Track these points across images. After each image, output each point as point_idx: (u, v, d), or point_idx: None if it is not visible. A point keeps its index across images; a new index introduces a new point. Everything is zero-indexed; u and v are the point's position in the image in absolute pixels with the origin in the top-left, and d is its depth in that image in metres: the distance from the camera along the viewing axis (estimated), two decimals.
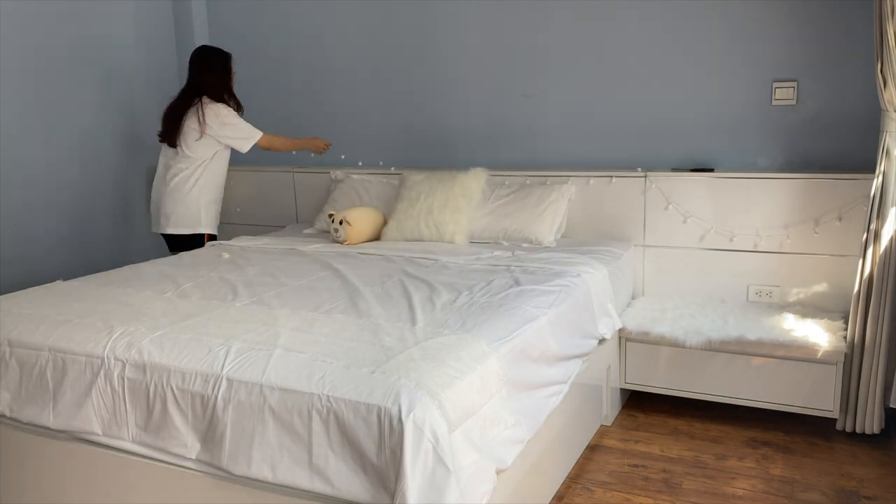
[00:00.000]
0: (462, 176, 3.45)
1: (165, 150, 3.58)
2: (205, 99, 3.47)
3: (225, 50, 3.60)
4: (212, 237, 3.66)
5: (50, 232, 3.79)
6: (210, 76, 3.51)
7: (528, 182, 3.54)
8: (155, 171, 4.26)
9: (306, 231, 3.81)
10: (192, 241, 3.58)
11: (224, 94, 3.54)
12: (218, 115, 3.46)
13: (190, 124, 3.45)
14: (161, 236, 3.69)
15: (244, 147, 3.56)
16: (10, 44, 3.55)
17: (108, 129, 4.06)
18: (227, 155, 3.62)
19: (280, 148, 3.73)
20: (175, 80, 4.40)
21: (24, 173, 3.65)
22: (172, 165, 3.53)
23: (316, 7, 4.10)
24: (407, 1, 3.85)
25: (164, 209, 3.56)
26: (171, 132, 3.49)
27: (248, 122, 3.58)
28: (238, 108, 3.62)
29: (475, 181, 3.44)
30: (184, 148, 3.48)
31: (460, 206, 3.37)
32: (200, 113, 3.44)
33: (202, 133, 3.45)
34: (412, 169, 3.80)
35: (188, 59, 3.59)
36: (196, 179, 3.53)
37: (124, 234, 4.19)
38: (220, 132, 3.48)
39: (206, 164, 3.54)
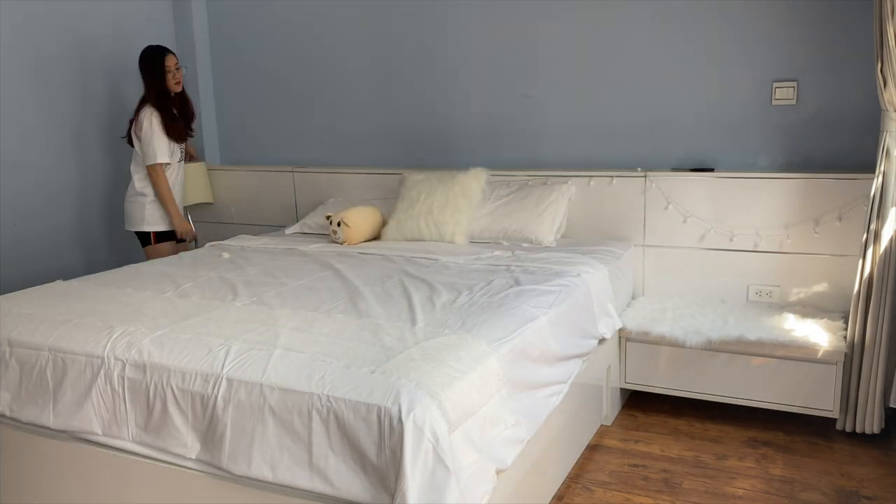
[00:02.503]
0: (462, 176, 3.45)
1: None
2: (141, 104, 3.63)
3: (158, 47, 3.67)
4: (163, 235, 3.76)
5: (51, 232, 3.79)
6: (146, 81, 3.64)
7: (528, 182, 3.54)
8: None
9: (288, 231, 3.78)
10: (141, 239, 3.76)
11: (152, 99, 3.62)
12: (138, 121, 3.62)
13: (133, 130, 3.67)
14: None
15: (146, 161, 3.65)
16: (9, 44, 3.55)
17: (107, 129, 4.06)
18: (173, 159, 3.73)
19: (158, 192, 3.70)
20: None
21: (24, 173, 3.65)
22: (130, 167, 3.72)
23: (316, 7, 4.09)
24: (407, 1, 3.85)
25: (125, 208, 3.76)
26: (127, 133, 3.72)
27: (159, 142, 3.62)
28: (182, 116, 3.74)
29: (475, 181, 3.44)
30: (135, 149, 3.69)
31: (460, 205, 3.37)
32: (134, 117, 3.65)
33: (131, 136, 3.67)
34: (412, 169, 3.80)
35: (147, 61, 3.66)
36: (141, 179, 3.70)
37: (125, 235, 4.19)
38: (137, 138, 3.65)
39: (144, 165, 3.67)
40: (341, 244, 3.37)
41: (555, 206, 3.35)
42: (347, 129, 4.15)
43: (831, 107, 3.11)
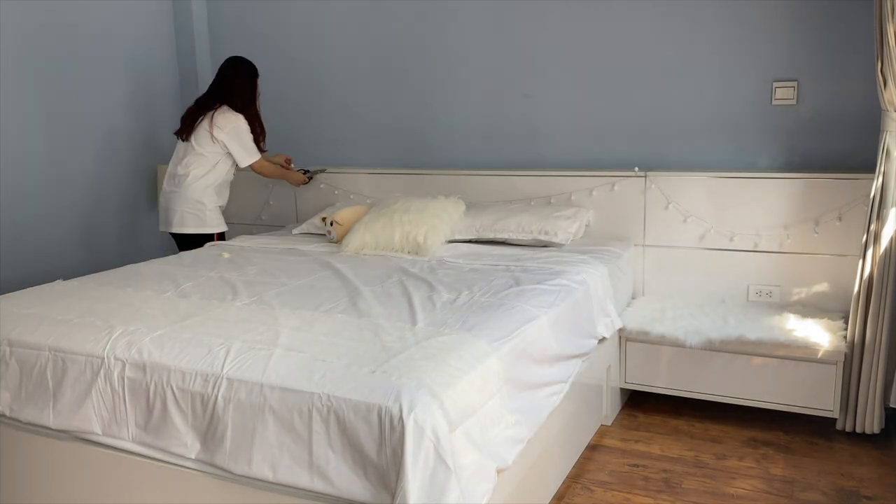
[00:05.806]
0: (441, 199, 3.38)
1: (178, 149, 3.62)
2: (225, 107, 3.54)
3: (254, 66, 3.65)
4: (220, 236, 3.69)
5: (51, 232, 3.78)
6: (239, 87, 3.58)
7: (532, 203, 3.52)
8: (157, 169, 4.29)
9: (295, 231, 3.76)
10: (200, 241, 3.59)
11: (246, 109, 3.59)
12: (232, 121, 3.53)
13: (204, 125, 3.52)
14: (170, 236, 3.72)
15: (244, 161, 3.61)
16: (10, 43, 3.55)
17: (107, 128, 4.06)
18: (231, 162, 3.65)
19: (268, 174, 3.82)
20: (175, 79, 4.41)
21: (25, 173, 3.65)
22: (181, 164, 3.57)
23: (316, 7, 4.10)
24: (407, 1, 3.86)
25: (171, 207, 3.60)
26: (185, 128, 3.57)
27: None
28: (261, 130, 3.67)
29: (453, 206, 3.36)
30: (194, 146, 3.54)
31: (437, 216, 3.27)
32: (216, 116, 3.51)
33: (212, 135, 3.51)
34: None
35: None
36: (203, 179, 3.57)
37: (126, 234, 4.19)
38: (229, 139, 3.54)
39: (214, 166, 3.59)
40: (336, 243, 3.37)
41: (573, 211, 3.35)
42: (347, 129, 4.15)
43: (831, 107, 3.11)
